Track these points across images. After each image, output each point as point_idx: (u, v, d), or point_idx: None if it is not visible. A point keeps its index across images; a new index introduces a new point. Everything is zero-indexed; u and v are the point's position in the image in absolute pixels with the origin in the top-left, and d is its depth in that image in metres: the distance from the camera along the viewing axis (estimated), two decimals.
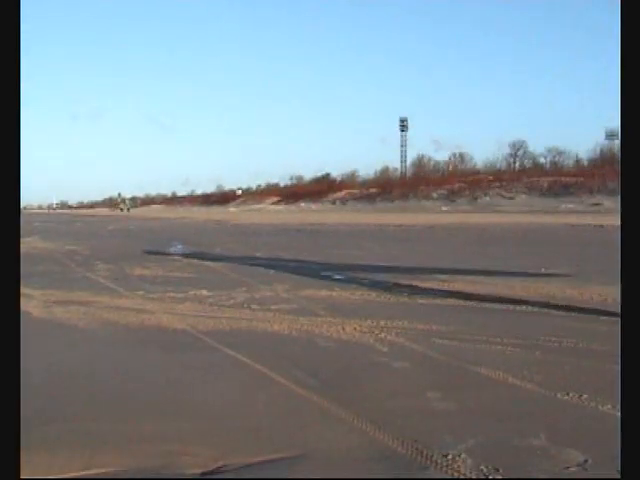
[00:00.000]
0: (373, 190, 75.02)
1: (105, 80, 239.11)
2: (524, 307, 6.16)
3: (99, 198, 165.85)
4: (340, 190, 79.74)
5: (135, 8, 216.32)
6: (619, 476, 2.37)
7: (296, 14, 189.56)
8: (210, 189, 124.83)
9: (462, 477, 2.48)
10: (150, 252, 13.86)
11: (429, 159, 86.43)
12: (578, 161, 72.52)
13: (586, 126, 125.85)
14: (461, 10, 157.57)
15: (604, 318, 5.53)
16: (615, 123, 78.87)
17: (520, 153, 78.66)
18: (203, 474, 2.58)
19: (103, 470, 2.60)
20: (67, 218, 53.30)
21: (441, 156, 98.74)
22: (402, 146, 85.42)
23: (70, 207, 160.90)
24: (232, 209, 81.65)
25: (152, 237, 20.08)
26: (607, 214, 35.70)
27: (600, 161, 65.63)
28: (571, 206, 49.48)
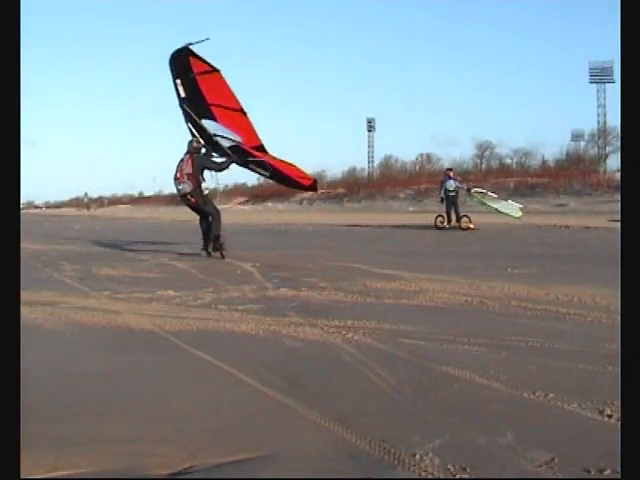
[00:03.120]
0: (340, 190, 75.09)
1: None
2: (490, 307, 6.20)
3: (66, 198, 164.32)
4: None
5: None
6: (619, 477, 2.40)
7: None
8: None
9: (429, 476, 2.49)
10: (116, 252, 13.77)
11: (396, 159, 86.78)
12: (544, 162, 73.21)
13: (553, 128, 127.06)
14: (428, 6, 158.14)
15: (570, 318, 5.58)
16: (580, 125, 79.98)
17: (487, 154, 79.30)
18: (171, 475, 2.56)
19: (69, 472, 2.57)
20: (33, 218, 52.50)
21: (408, 157, 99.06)
22: (369, 146, 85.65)
23: (37, 207, 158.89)
24: None
25: (117, 237, 19.91)
26: (572, 214, 36.09)
27: (566, 162, 66.28)
28: (537, 206, 49.85)
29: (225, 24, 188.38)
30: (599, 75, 68.66)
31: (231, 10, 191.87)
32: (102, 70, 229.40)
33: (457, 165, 76.32)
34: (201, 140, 12.25)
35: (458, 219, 22.44)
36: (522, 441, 2.82)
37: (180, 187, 11.67)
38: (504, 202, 25.02)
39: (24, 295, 6.05)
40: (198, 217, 12.38)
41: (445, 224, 22.89)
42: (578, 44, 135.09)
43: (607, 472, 2.50)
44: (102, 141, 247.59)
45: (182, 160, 11.74)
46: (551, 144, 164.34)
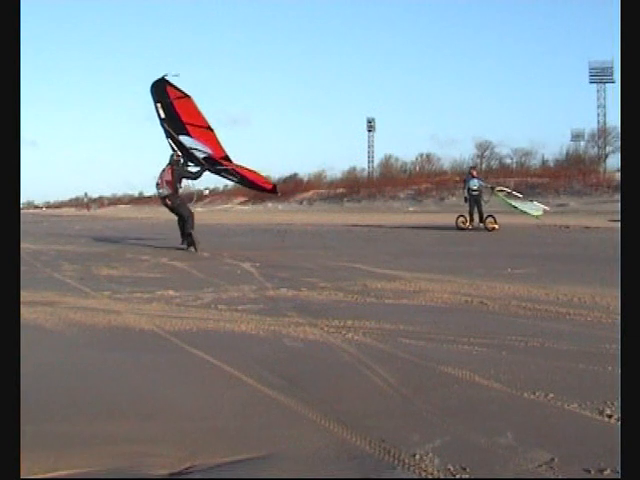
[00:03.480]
0: (340, 190, 75.02)
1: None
2: (490, 307, 6.20)
3: (66, 198, 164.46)
4: (307, 190, 79.59)
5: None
6: (619, 477, 2.40)
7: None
8: None
9: (429, 476, 2.49)
10: (116, 252, 13.80)
11: (396, 159, 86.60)
12: (544, 162, 73.09)
13: (553, 128, 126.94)
14: (428, 6, 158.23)
15: (570, 318, 5.58)
16: (580, 125, 79.99)
17: (487, 154, 79.13)
18: (171, 475, 2.56)
19: (70, 471, 2.57)
20: (33, 218, 52.48)
21: (408, 157, 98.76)
22: (369, 146, 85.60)
23: (37, 207, 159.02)
24: (199, 209, 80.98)
25: (117, 237, 19.92)
26: (572, 214, 36.11)
27: (566, 162, 66.21)
28: None
29: (227, 25, 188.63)
30: (599, 75, 68.58)
31: (233, 11, 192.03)
32: (103, 70, 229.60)
33: (457, 165, 76.35)
34: (180, 154, 14.73)
35: (482, 219, 21.39)
36: (522, 441, 2.82)
37: (160, 191, 14.18)
38: (529, 202, 24.06)
39: (24, 295, 6.06)
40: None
41: (467, 225, 21.91)
42: (578, 44, 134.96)
43: (607, 472, 2.50)
44: (102, 141, 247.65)
45: (164, 170, 14.18)
46: (551, 144, 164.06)
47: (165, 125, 14.94)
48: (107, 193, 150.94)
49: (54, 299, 6.97)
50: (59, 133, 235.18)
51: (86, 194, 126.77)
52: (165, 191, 14.04)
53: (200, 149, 14.96)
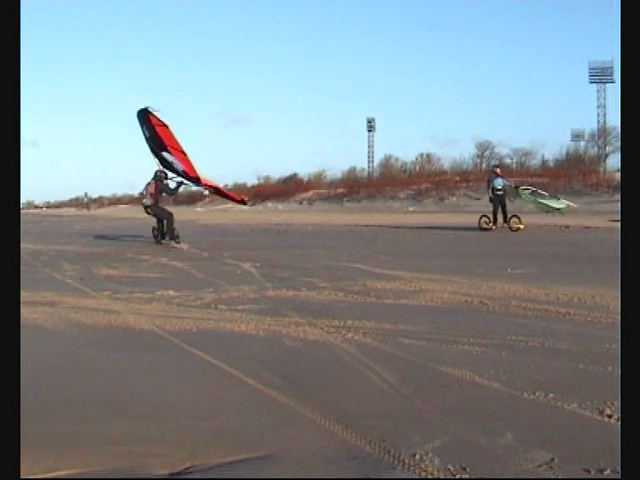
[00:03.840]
0: (340, 190, 74.96)
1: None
2: (490, 307, 6.19)
3: (66, 198, 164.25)
4: (307, 190, 79.55)
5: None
6: (619, 477, 2.40)
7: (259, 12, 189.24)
8: None
9: (429, 476, 2.49)
10: (116, 252, 13.80)
11: (396, 159, 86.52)
12: (544, 162, 73.04)
13: (553, 128, 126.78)
14: (428, 6, 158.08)
15: (570, 318, 5.58)
16: (580, 125, 79.90)
17: (487, 154, 78.98)
18: (171, 475, 2.56)
19: (70, 471, 2.57)
20: (33, 218, 52.45)
21: (408, 157, 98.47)
22: (369, 146, 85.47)
23: (37, 207, 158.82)
24: (199, 209, 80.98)
25: (117, 237, 19.92)
26: (572, 214, 36.08)
27: (566, 162, 66.18)
28: None
29: (228, 25, 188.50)
30: (599, 75, 68.47)
31: (234, 12, 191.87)
32: (104, 71, 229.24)
33: (457, 165, 76.34)
34: (164, 170, 17.12)
35: (506, 220, 20.67)
36: (522, 441, 2.82)
37: (144, 201, 16.66)
38: (555, 199, 23.43)
39: (24, 295, 6.06)
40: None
41: (491, 225, 21.15)
42: (578, 44, 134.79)
43: (607, 472, 2.50)
44: (103, 142, 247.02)
45: (149, 183, 16.63)
46: (551, 144, 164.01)
47: (150, 143, 17.32)
48: (107, 193, 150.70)
49: (54, 299, 6.97)
50: (60, 133, 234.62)
51: (86, 194, 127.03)
52: (148, 202, 16.50)
53: (179, 166, 17.28)
